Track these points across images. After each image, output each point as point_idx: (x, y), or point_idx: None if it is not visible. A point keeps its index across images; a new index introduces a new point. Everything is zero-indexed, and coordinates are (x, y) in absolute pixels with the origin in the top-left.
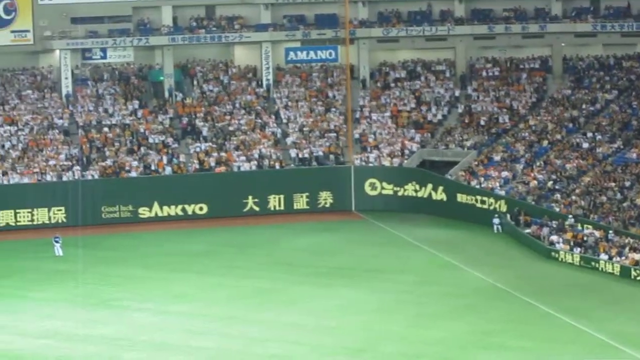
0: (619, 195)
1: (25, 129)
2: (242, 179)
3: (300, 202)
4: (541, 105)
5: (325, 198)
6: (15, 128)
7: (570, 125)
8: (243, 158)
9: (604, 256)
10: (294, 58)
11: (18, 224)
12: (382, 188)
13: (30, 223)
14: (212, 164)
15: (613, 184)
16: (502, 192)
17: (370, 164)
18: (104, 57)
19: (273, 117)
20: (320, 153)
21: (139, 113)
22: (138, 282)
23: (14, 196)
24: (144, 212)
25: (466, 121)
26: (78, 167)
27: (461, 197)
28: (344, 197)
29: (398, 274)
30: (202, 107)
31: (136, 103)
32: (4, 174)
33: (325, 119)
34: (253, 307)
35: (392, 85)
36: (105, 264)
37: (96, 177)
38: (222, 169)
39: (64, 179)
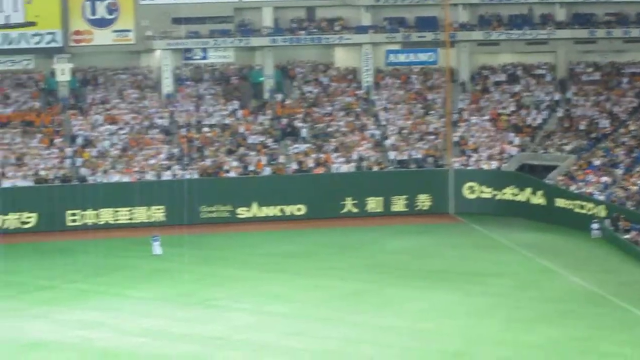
0: None
1: (126, 128)
2: (341, 181)
3: (399, 204)
4: None
5: (424, 201)
6: (116, 127)
7: None
8: (342, 159)
9: None
10: (394, 60)
11: (117, 222)
12: (481, 191)
13: (129, 222)
14: (311, 165)
15: None
16: (602, 197)
17: (469, 167)
18: (205, 58)
19: (372, 119)
20: (419, 155)
21: (239, 113)
22: (235, 282)
23: (113, 195)
24: (242, 213)
25: (566, 125)
26: (177, 167)
27: (560, 202)
28: (442, 200)
29: (495, 278)
30: (301, 108)
31: (236, 103)
32: (104, 172)
33: (425, 121)
34: (348, 308)
35: (492, 88)
36: (203, 264)
37: (195, 176)
38: (321, 170)
39: (164, 178)
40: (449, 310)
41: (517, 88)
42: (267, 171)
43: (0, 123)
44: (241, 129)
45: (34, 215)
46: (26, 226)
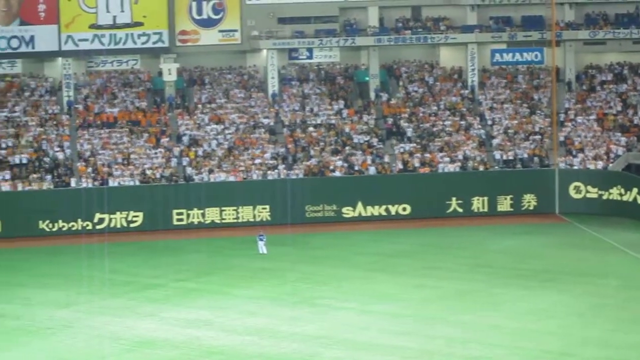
0: None
1: (232, 128)
2: (446, 180)
3: (504, 204)
4: None
5: (529, 200)
6: (222, 127)
7: None
8: (447, 159)
9: None
10: (499, 60)
11: (223, 221)
12: (587, 191)
13: (235, 221)
14: (416, 164)
15: None
16: None
17: (575, 167)
18: (310, 57)
19: (478, 118)
20: (525, 155)
21: (344, 113)
22: (341, 281)
23: (219, 194)
24: (347, 212)
25: None
26: (283, 166)
27: None
28: (547, 200)
29: (600, 278)
30: (406, 107)
31: (341, 103)
32: (210, 171)
33: (530, 121)
34: (454, 308)
35: (598, 88)
36: (309, 263)
37: (301, 176)
38: (426, 169)
39: (269, 177)
40: (555, 311)
41: (623, 87)
42: (372, 171)
43: (107, 123)
44: (346, 129)
45: (140, 214)
46: (132, 225)
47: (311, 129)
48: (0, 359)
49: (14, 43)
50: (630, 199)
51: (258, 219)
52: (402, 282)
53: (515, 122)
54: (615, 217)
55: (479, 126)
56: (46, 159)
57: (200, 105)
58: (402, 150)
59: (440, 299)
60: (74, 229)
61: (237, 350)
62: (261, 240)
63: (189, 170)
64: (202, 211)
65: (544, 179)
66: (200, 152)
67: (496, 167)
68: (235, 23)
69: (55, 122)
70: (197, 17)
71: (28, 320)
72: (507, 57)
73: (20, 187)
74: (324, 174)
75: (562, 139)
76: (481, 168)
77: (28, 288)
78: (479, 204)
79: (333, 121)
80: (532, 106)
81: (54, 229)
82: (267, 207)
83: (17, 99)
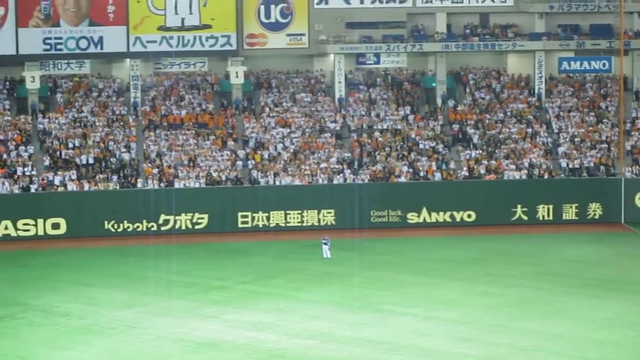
0: None
1: (298, 132)
2: (512, 188)
3: (569, 212)
4: None
5: (595, 209)
6: (288, 130)
7: None
8: (513, 167)
9: None
10: (567, 68)
11: (288, 225)
12: None
13: (300, 224)
14: (482, 171)
15: None
16: None
17: None
18: (377, 63)
19: (544, 126)
20: (591, 164)
21: (410, 119)
22: (404, 286)
23: (284, 197)
24: (412, 218)
25: None
26: (349, 171)
27: None
28: (613, 209)
29: None
30: (473, 114)
31: (408, 109)
32: (276, 175)
33: (597, 129)
34: (518, 315)
35: None
36: (373, 268)
37: (366, 181)
38: (492, 177)
39: (335, 182)
40: (619, 320)
41: None
42: (438, 177)
43: (174, 124)
44: (412, 134)
45: (205, 216)
46: (198, 227)
47: (377, 134)
48: (64, 358)
49: (83, 44)
50: None
51: (323, 223)
52: (466, 289)
53: (582, 130)
54: None
55: (545, 134)
56: (113, 160)
57: (266, 109)
58: (467, 156)
59: (504, 307)
60: (139, 229)
61: (299, 354)
62: (325, 244)
63: (254, 173)
64: (267, 214)
65: (610, 188)
66: (265, 156)
67: (562, 176)
68: (303, 27)
69: (122, 123)
70: (265, 21)
71: (92, 320)
72: (575, 65)
73: (86, 187)
74: (389, 179)
75: (628, 148)
76: (547, 176)
77: (93, 288)
78: (544, 212)
79: (399, 127)
80: (599, 115)
81: (120, 230)
82: (332, 211)
83: (85, 100)
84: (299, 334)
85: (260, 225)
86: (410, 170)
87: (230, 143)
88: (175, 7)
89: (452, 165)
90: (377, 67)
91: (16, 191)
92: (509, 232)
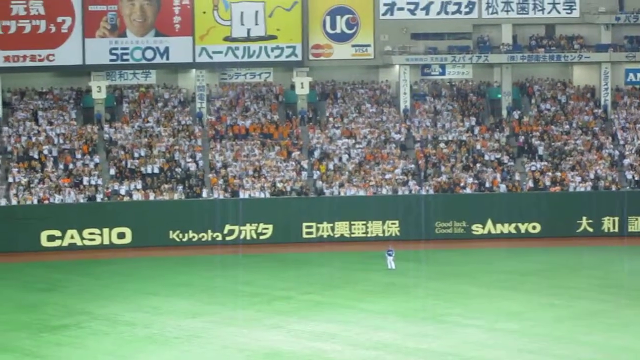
0: None
1: (363, 142)
2: (577, 200)
3: (635, 224)
4: None
5: None
6: (353, 141)
7: None
8: (578, 178)
9: None
10: (633, 79)
11: (352, 235)
12: None
13: (364, 235)
14: (547, 183)
15: None
16: None
17: None
18: (443, 74)
19: (610, 138)
20: None
21: (476, 130)
22: (469, 298)
23: (349, 208)
24: (477, 229)
25: None
26: (413, 182)
27: None
28: None
29: None
30: (538, 126)
31: (473, 120)
32: (341, 185)
33: None
34: (583, 328)
35: None
36: (437, 279)
37: (431, 192)
38: (557, 188)
39: (399, 193)
40: None
41: None
42: (503, 188)
43: (239, 135)
44: (477, 146)
45: (270, 226)
46: (262, 237)
47: (442, 145)
48: None
49: (149, 54)
50: None
51: (387, 234)
52: (531, 301)
53: None
54: None
55: (611, 146)
56: (178, 170)
57: (331, 119)
58: (533, 168)
59: (570, 319)
60: (204, 239)
61: None
62: (390, 255)
63: (319, 183)
64: (331, 225)
65: None
66: (330, 166)
67: (628, 188)
68: (368, 38)
69: (187, 133)
70: (330, 32)
71: (157, 329)
72: None
73: (152, 197)
74: (454, 190)
75: None
76: (613, 188)
77: (158, 297)
78: (609, 224)
79: (464, 138)
80: None
81: (184, 239)
82: (397, 222)
83: (151, 110)
84: (363, 344)
85: (325, 236)
86: (476, 181)
87: (295, 153)
88: (241, 18)
89: (517, 176)
90: (442, 78)
91: (82, 201)
92: (574, 244)
